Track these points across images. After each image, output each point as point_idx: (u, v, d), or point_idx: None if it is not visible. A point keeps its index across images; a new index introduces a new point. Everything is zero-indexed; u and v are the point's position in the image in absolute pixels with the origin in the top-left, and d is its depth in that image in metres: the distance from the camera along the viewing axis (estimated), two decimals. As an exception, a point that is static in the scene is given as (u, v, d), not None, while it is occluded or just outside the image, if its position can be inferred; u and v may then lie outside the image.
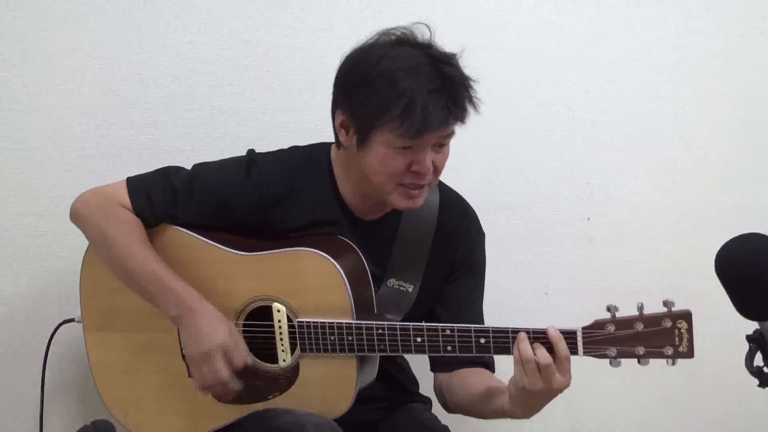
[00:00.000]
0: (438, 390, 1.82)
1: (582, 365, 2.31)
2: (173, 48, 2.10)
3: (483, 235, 1.85)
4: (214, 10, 2.11)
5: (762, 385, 1.34)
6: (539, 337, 1.52)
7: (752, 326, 1.34)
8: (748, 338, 1.34)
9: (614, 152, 2.28)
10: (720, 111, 2.30)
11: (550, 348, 1.50)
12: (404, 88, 1.55)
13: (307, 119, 2.13)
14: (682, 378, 2.37)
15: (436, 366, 1.80)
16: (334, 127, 1.69)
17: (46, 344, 1.92)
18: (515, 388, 1.53)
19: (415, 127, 1.55)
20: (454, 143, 2.20)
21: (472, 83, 1.62)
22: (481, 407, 1.69)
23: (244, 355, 1.66)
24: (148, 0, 2.08)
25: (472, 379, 1.73)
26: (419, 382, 1.94)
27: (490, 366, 1.78)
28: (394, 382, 1.85)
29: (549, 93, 2.25)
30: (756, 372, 1.33)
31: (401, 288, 1.74)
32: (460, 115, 1.60)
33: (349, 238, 1.72)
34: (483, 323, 1.79)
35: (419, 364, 1.90)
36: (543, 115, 2.25)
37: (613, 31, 2.25)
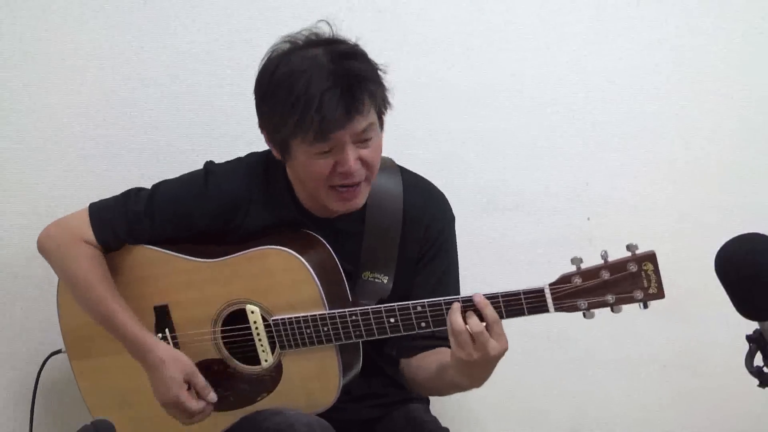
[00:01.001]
0: (400, 373, 1.82)
1: (582, 366, 2.32)
2: (173, 48, 2.10)
3: (451, 217, 1.82)
4: (214, 10, 2.11)
5: (762, 385, 1.34)
6: (468, 305, 1.52)
7: (752, 326, 1.34)
8: (748, 338, 1.34)
9: (614, 152, 2.28)
10: (720, 111, 2.30)
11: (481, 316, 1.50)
12: (299, 93, 1.53)
13: (307, 119, 2.13)
14: (681, 378, 2.37)
15: (400, 351, 1.80)
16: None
17: (35, 379, 1.92)
18: (454, 360, 1.54)
19: (314, 132, 1.53)
20: (454, 143, 2.22)
21: (372, 73, 1.58)
22: (436, 383, 1.70)
23: (198, 405, 1.68)
24: (148, 0, 2.08)
25: (429, 358, 1.73)
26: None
27: None
28: (386, 376, 1.85)
29: (549, 93, 2.25)
30: (756, 372, 1.33)
31: (376, 280, 1.74)
32: (358, 109, 1.55)
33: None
34: None
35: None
36: (543, 115, 2.25)
37: (613, 31, 2.25)
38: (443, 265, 1.79)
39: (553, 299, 1.52)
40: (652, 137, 2.29)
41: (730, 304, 1.33)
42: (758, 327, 1.33)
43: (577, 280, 1.51)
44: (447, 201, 1.82)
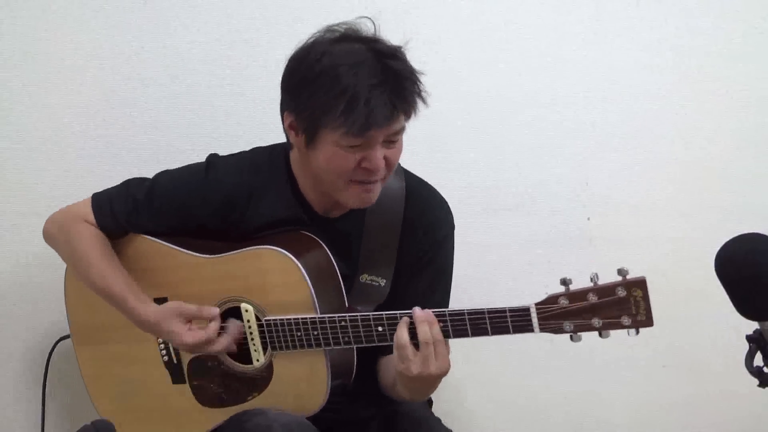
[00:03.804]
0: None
1: (582, 366, 2.32)
2: (173, 48, 2.10)
3: (451, 225, 1.80)
4: (214, 10, 2.11)
5: (762, 385, 1.34)
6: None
7: (752, 326, 1.34)
8: (748, 338, 1.34)
9: (614, 152, 2.28)
10: (720, 111, 2.30)
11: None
12: (346, 84, 1.52)
13: (307, 119, 2.13)
14: (681, 378, 2.37)
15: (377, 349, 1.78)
16: (284, 128, 1.68)
17: (45, 363, 1.92)
18: (396, 372, 1.57)
19: (359, 124, 1.52)
20: (454, 143, 2.22)
21: (417, 76, 1.58)
22: (391, 390, 1.72)
23: (207, 333, 1.64)
24: (148, 0, 2.08)
25: (392, 363, 1.72)
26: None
27: None
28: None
29: (549, 93, 2.25)
30: (756, 372, 1.33)
31: (374, 283, 1.73)
32: (405, 109, 1.56)
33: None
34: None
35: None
36: (543, 115, 2.25)
37: (613, 31, 2.25)
38: (435, 272, 1.77)
39: (539, 319, 1.49)
40: (652, 137, 2.29)
41: (730, 304, 1.33)
42: (758, 327, 1.33)
43: (564, 302, 1.48)
44: (449, 209, 1.80)
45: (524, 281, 2.30)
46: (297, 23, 2.14)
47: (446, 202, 1.80)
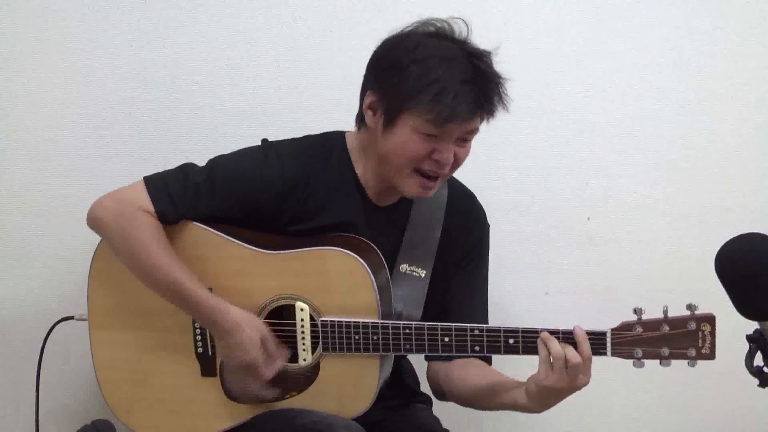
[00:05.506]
0: (432, 378, 1.82)
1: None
2: (173, 48, 2.10)
3: (489, 225, 1.87)
4: (214, 10, 2.11)
5: (762, 385, 1.34)
6: (566, 337, 1.56)
7: (752, 326, 1.34)
8: (748, 338, 1.34)
9: (614, 152, 2.28)
10: (720, 111, 2.30)
11: (575, 347, 1.55)
12: (438, 75, 1.57)
13: (307, 119, 2.13)
14: (682, 378, 2.37)
15: (436, 356, 1.79)
16: (361, 107, 1.70)
17: (42, 342, 1.89)
18: (536, 386, 1.57)
19: (444, 115, 1.57)
20: (454, 143, 2.22)
21: (503, 80, 1.64)
22: (487, 400, 1.71)
23: (273, 368, 1.66)
24: (149, 0, 2.08)
25: (473, 372, 1.73)
26: (419, 378, 1.95)
27: (488, 360, 1.79)
28: (398, 380, 1.85)
29: (549, 93, 2.25)
30: (756, 372, 1.34)
31: (413, 273, 1.75)
32: (489, 109, 1.62)
33: (363, 221, 1.73)
34: (487, 312, 1.83)
35: (420, 363, 1.90)
36: (543, 115, 2.25)
37: (613, 31, 2.25)
38: (480, 272, 1.83)
39: (613, 344, 1.57)
40: (652, 137, 2.29)
41: (730, 304, 1.33)
42: (758, 327, 1.33)
43: (639, 329, 1.56)
44: (484, 210, 1.87)
45: (524, 281, 2.30)
46: (297, 23, 2.14)
47: (480, 203, 1.87)
